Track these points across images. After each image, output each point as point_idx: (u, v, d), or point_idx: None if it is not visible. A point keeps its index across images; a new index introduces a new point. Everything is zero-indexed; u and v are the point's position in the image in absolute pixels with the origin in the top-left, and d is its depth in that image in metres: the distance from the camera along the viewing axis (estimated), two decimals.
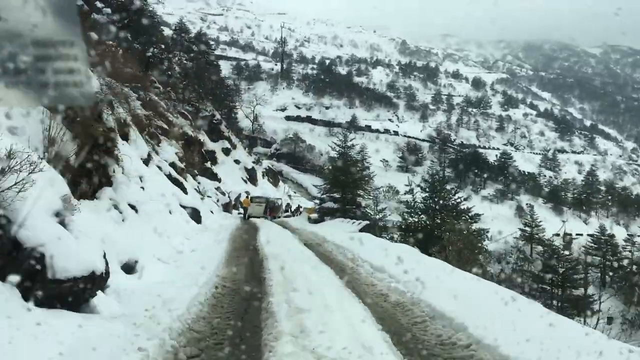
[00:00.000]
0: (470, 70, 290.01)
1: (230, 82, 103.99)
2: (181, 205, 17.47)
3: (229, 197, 49.77)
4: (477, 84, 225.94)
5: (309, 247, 17.68)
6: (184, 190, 22.61)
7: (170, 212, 15.08)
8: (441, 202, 32.77)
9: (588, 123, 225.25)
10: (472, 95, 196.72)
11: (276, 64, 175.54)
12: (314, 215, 34.73)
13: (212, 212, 27.63)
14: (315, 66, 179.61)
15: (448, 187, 36.27)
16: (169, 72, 61.13)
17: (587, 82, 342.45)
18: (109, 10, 43.57)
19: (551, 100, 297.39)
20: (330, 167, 36.87)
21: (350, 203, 32.46)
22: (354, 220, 25.40)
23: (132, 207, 10.83)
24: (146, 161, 17.04)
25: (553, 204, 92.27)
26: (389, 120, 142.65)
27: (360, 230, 22.01)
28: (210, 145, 66.92)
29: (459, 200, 34.26)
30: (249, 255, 14.26)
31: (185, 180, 29.17)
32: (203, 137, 64.71)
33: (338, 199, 32.91)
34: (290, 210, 49.65)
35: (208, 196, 43.27)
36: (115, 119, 15.21)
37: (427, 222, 32.23)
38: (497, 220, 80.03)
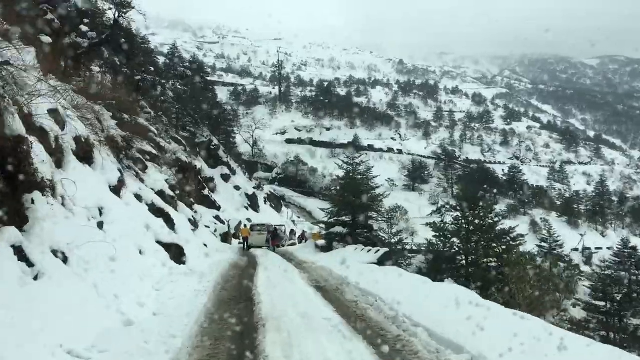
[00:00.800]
0: (469, 86, 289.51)
1: (228, 108, 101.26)
2: (158, 242, 14.16)
3: (228, 225, 46.58)
4: (478, 99, 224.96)
5: (324, 294, 13.41)
6: (171, 222, 19.40)
7: (140, 253, 11.83)
8: (476, 222, 29.37)
9: (592, 134, 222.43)
10: (474, 110, 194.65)
11: (274, 88, 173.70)
12: (321, 242, 31.46)
13: (205, 245, 24.36)
14: (313, 89, 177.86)
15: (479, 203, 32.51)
16: (162, 98, 58.53)
17: (587, 93, 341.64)
18: (93, 34, 40.99)
19: (552, 112, 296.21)
20: (337, 188, 33.39)
21: (361, 227, 29.21)
22: (369, 247, 22.16)
23: (60, 254, 7.49)
24: (116, 189, 13.94)
25: (567, 218, 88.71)
26: (392, 138, 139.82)
27: (380, 260, 18.73)
28: (208, 171, 63.97)
29: (496, 219, 30.86)
30: (237, 317, 9.97)
31: (176, 210, 26.00)
32: (200, 163, 61.75)
33: (347, 222, 29.65)
34: (295, 237, 46.39)
35: (206, 226, 40.11)
36: (76, 137, 12.20)
37: (460, 247, 28.90)
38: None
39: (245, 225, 37.25)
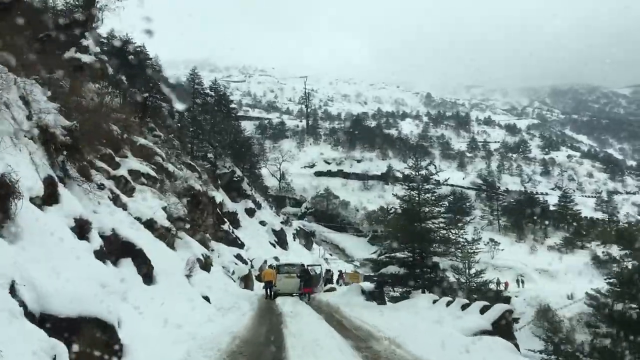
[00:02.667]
0: (499, 117, 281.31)
1: (254, 141, 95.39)
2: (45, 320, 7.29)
3: (251, 265, 39.53)
4: (512, 129, 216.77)
5: None
6: (143, 265, 12.37)
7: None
8: None
9: (632, 163, 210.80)
10: (509, 140, 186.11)
11: (301, 121, 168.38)
12: (368, 286, 24.18)
13: (207, 299, 17.05)
14: (341, 122, 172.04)
15: None
16: (179, 124, 52.43)
17: (623, 122, 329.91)
18: (97, 49, 35.35)
19: (588, 142, 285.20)
20: (395, 212, 25.46)
21: (425, 266, 21.80)
22: (448, 299, 14.85)
23: None
24: (81, 228, 7.62)
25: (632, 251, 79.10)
26: (426, 169, 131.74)
27: (494, 326, 11.31)
28: (230, 205, 57.35)
29: None
30: None
31: (171, 246, 19.14)
32: (221, 196, 55.33)
33: (405, 260, 22.26)
34: (333, 280, 38.73)
35: (223, 267, 33.14)
36: None
37: None
38: (572, 274, 67.87)
39: (270, 266, 29.89)
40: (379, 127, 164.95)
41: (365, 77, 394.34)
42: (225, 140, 66.43)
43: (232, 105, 73.82)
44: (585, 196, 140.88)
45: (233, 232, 48.80)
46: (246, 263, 40.59)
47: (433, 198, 24.36)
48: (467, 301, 14.31)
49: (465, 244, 22.50)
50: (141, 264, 11.96)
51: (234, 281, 28.71)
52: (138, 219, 17.38)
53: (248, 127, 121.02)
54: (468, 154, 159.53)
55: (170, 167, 33.90)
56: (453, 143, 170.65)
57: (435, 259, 22.13)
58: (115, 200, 16.25)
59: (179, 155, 38.47)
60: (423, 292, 21.76)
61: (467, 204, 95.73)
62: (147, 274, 12.06)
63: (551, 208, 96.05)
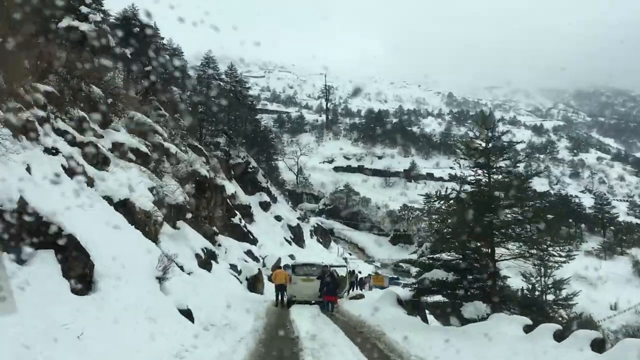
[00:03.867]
0: (524, 119, 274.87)
1: (272, 133, 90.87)
2: None
3: (263, 263, 35.05)
4: (538, 130, 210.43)
5: None
6: (83, 273, 7.79)
7: None
8: None
9: None
10: (535, 141, 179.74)
11: (320, 116, 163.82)
12: (406, 295, 19.46)
13: (187, 312, 11.78)
14: (361, 119, 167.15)
15: None
16: (189, 107, 48.11)
17: None
18: (97, 17, 31.19)
19: (615, 145, 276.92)
20: (457, 196, 18.94)
21: (483, 270, 16.93)
22: (554, 326, 10.05)
23: None
24: None
25: None
26: (451, 167, 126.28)
27: None
28: (243, 198, 52.88)
29: None
30: None
31: (152, 238, 14.68)
32: (234, 188, 50.99)
33: (455, 264, 17.36)
34: (356, 284, 33.58)
35: (231, 265, 28.63)
36: None
37: None
38: (613, 282, 62.42)
39: (282, 267, 24.85)
40: (401, 123, 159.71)
41: (386, 76, 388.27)
42: (240, 128, 62.07)
43: (249, 93, 69.35)
44: (617, 200, 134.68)
45: (245, 226, 44.39)
46: (258, 261, 36.13)
47: (510, 180, 18.79)
48: (593, 333, 9.55)
49: (555, 244, 17.38)
50: (72, 260, 7.49)
51: (240, 282, 24.19)
52: (108, 198, 12.89)
53: (266, 120, 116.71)
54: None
55: (173, 148, 29.53)
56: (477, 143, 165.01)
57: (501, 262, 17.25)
58: (74, 172, 11.75)
59: (184, 136, 34.06)
60: (466, 301, 17.04)
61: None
62: (82, 276, 7.57)
63: (587, 211, 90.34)
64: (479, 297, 17.29)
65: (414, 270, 20.97)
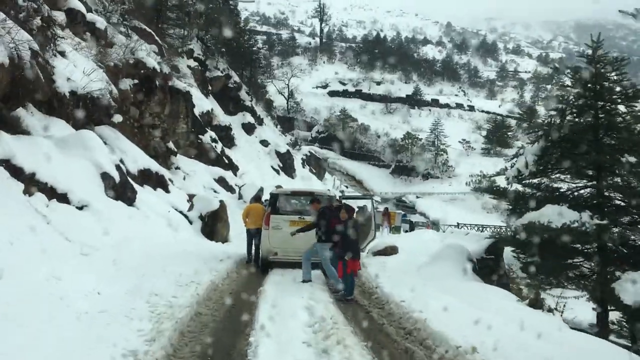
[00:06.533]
0: (526, 50, 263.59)
1: (261, 49, 79.75)
2: None
3: (239, 195, 26.26)
4: (543, 59, 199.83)
5: None
6: None
7: None
8: None
9: None
10: (541, 70, 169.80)
11: (314, 39, 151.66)
12: (477, 249, 10.57)
13: None
14: (358, 44, 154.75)
15: None
16: None
17: None
18: None
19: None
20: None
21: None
22: None
23: None
24: None
25: None
26: (455, 95, 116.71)
27: None
28: (222, 117, 43.50)
29: None
30: None
31: None
32: (210, 104, 41.80)
33: (583, 196, 8.46)
34: (384, 222, 23.95)
35: (189, 195, 19.72)
36: None
37: None
38: None
39: (260, 199, 14.56)
40: (401, 48, 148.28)
41: (382, 3, 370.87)
42: (219, 36, 51.62)
43: None
44: None
45: (223, 150, 35.31)
46: (233, 192, 27.22)
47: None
48: None
49: None
50: None
51: (190, 223, 15.37)
52: None
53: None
54: (498, 83, 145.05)
55: (100, 23, 19.79)
56: (481, 71, 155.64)
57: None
58: None
59: (125, 17, 24.14)
60: (624, 269, 8.44)
61: (508, 134, 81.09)
62: None
63: None
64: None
65: (503, 205, 11.89)
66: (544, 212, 9.14)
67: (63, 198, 9.94)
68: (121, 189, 12.18)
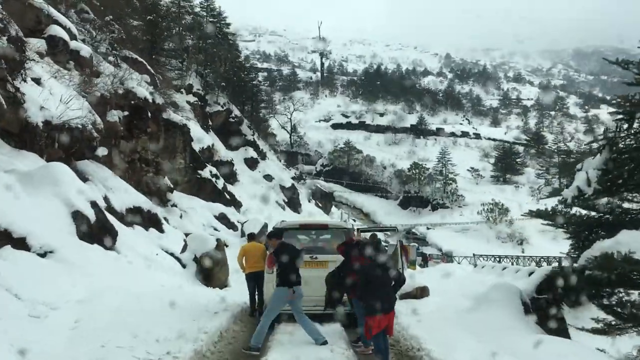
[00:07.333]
0: (527, 77, 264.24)
1: (261, 83, 78.99)
2: None
3: (242, 233, 24.46)
4: (545, 87, 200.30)
5: None
6: None
7: None
8: None
9: None
10: (543, 98, 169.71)
11: (315, 74, 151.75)
12: (527, 288, 8.64)
13: None
14: (360, 77, 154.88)
15: None
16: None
17: None
18: None
19: None
20: None
21: None
22: None
23: None
24: None
25: None
26: (460, 124, 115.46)
27: None
28: (223, 153, 42.00)
29: None
30: None
31: None
32: (211, 139, 40.47)
33: None
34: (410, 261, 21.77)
35: (186, 235, 17.88)
36: None
37: None
38: None
39: (254, 237, 12.33)
40: (403, 79, 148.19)
41: (381, 38, 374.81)
42: (218, 69, 50.69)
43: (229, 30, 57.57)
44: None
45: (225, 186, 33.59)
46: (235, 229, 25.39)
47: None
48: None
49: None
50: None
51: (184, 266, 13.51)
52: None
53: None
54: (502, 110, 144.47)
55: (85, 51, 18.29)
56: (483, 99, 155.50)
57: None
58: None
59: (115, 46, 22.74)
60: None
61: (518, 160, 79.38)
62: None
63: None
64: None
65: (564, 235, 9.97)
66: (621, 239, 7.31)
67: (20, 244, 8.13)
68: (98, 230, 10.38)
